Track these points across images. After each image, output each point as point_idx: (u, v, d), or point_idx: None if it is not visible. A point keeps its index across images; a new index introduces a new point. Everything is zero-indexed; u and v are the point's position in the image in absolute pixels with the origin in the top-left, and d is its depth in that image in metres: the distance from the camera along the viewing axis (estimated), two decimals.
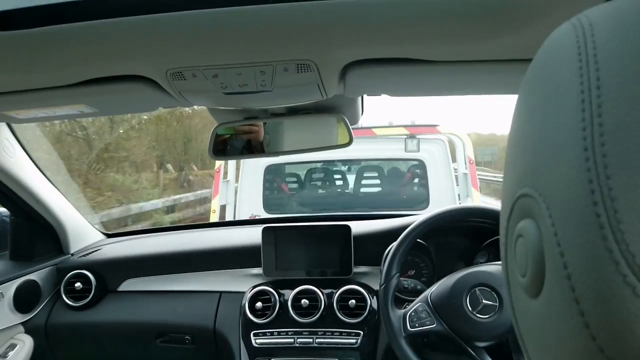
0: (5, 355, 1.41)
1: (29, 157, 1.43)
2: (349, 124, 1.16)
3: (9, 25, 0.64)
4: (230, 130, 1.20)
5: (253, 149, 1.22)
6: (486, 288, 1.14)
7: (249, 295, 1.47)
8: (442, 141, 4.01)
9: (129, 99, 0.96)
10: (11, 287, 1.45)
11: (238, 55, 0.75)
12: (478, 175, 4.08)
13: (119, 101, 0.98)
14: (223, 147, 1.21)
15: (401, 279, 1.29)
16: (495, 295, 1.13)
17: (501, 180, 0.36)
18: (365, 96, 1.16)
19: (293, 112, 1.15)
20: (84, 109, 1.01)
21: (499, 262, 1.20)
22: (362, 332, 1.40)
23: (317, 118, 1.17)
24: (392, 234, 1.44)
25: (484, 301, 1.13)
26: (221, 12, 0.62)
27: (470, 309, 1.13)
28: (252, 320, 1.43)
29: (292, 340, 1.40)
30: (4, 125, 1.31)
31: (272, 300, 1.44)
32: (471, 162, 4.02)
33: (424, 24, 0.66)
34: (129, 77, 0.84)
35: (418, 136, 3.89)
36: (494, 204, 1.54)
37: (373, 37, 0.70)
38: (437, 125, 4.03)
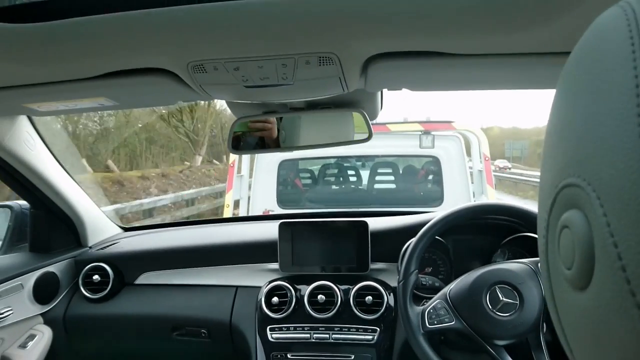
0: (24, 345, 1.43)
1: (49, 150, 1.44)
2: (368, 119, 1.15)
3: (32, 17, 0.64)
4: (244, 127, 1.19)
5: (268, 144, 1.22)
6: (506, 286, 1.12)
7: (265, 290, 1.47)
8: (457, 138, 3.97)
9: (149, 92, 0.96)
10: (31, 279, 1.47)
11: (260, 48, 0.74)
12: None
13: (139, 94, 0.99)
14: (241, 140, 1.21)
15: (419, 275, 1.28)
16: (516, 294, 1.11)
17: (535, 181, 0.35)
18: (384, 91, 1.15)
19: (312, 106, 1.15)
20: (104, 102, 1.01)
21: (519, 260, 1.18)
22: (378, 329, 1.39)
23: (335, 113, 1.17)
24: (410, 230, 1.43)
25: (504, 299, 1.11)
26: (244, 4, 0.62)
27: (490, 306, 1.12)
28: (268, 315, 1.43)
29: (308, 335, 1.40)
30: (24, 119, 1.32)
31: (289, 295, 1.44)
32: (486, 158, 3.98)
33: (449, 16, 0.65)
34: (150, 70, 0.84)
35: (433, 132, 3.85)
36: (510, 200, 1.52)
37: (397, 29, 0.69)
38: (452, 122, 3.99)
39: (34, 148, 1.36)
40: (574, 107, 0.28)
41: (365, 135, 1.18)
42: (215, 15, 0.64)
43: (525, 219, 1.25)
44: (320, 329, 1.41)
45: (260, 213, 3.84)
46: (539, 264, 0.35)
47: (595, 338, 0.26)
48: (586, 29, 0.31)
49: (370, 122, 1.16)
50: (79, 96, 0.97)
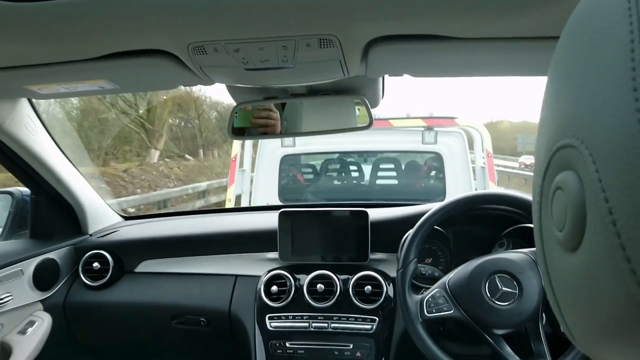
0: (24, 331, 1.43)
1: (49, 135, 1.44)
2: (369, 106, 1.14)
3: None
4: (246, 122, 1.19)
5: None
6: (506, 275, 1.12)
7: (264, 279, 1.47)
8: (460, 134, 3.96)
9: (149, 74, 0.96)
10: (31, 265, 1.47)
11: (260, 30, 0.74)
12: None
13: (139, 77, 0.98)
14: (242, 128, 1.21)
15: (419, 265, 1.28)
16: (515, 283, 1.11)
17: None
18: (386, 78, 1.14)
19: (313, 92, 1.14)
20: (104, 84, 1.01)
21: (519, 250, 1.18)
22: (377, 319, 1.39)
23: (336, 99, 1.16)
24: (410, 221, 1.42)
25: (503, 288, 1.11)
26: None
27: (489, 295, 1.11)
28: (267, 304, 1.43)
29: (307, 324, 1.40)
30: (25, 102, 1.32)
31: (288, 284, 1.44)
32: (489, 155, 3.97)
33: None
34: (151, 52, 0.84)
35: (436, 128, 3.84)
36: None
37: (398, 11, 0.69)
38: (455, 118, 3.98)
39: (35, 132, 1.36)
40: (571, 67, 0.28)
41: (366, 123, 1.18)
42: None
43: (525, 208, 1.24)
44: (319, 318, 1.41)
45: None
46: (534, 232, 0.35)
47: (586, 297, 0.26)
48: None
49: (371, 109, 1.16)
50: (79, 78, 0.97)
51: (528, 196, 1.26)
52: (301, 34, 0.76)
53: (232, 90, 1.13)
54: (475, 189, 3.87)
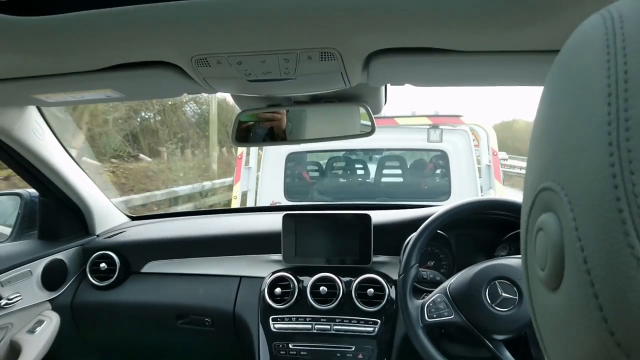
0: (33, 330, 1.46)
1: (57, 140, 1.46)
2: (371, 114, 1.16)
3: (40, 10, 0.66)
4: (253, 117, 1.20)
5: (275, 136, 1.23)
6: (506, 281, 1.13)
7: (268, 280, 1.49)
8: (466, 132, 3.95)
9: (154, 84, 0.98)
10: (39, 266, 1.50)
11: (262, 43, 0.75)
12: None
13: (144, 86, 1.00)
14: (246, 134, 1.22)
15: (420, 269, 1.29)
16: (515, 289, 1.12)
17: None
18: (388, 85, 1.15)
19: (316, 100, 1.15)
20: (110, 93, 1.03)
21: (519, 256, 1.18)
22: (379, 321, 1.40)
23: (339, 107, 1.17)
24: (413, 224, 1.43)
25: (503, 294, 1.12)
26: None
27: (489, 301, 1.12)
28: (271, 306, 1.45)
29: (310, 326, 1.42)
30: (34, 109, 1.34)
31: (291, 286, 1.46)
32: (495, 153, 3.95)
33: (451, 13, 0.65)
34: (155, 63, 0.86)
35: (441, 126, 3.84)
36: (516, 196, 1.52)
37: (398, 25, 0.70)
38: (460, 116, 3.97)
39: (43, 138, 1.38)
40: (555, 111, 0.29)
41: (369, 129, 1.19)
42: (219, 10, 0.65)
43: None
44: (322, 320, 1.42)
45: (267, 205, 3.86)
46: (522, 261, 0.36)
47: (564, 337, 0.27)
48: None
49: (373, 117, 1.17)
50: (85, 87, 0.98)
51: None
52: (302, 47, 0.77)
53: (236, 98, 1.15)
54: (481, 187, 3.87)
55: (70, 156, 1.53)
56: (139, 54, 0.82)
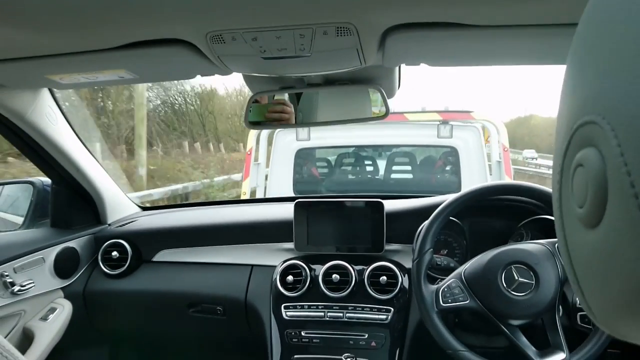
0: (45, 317, 1.47)
1: (70, 126, 1.47)
2: (385, 96, 1.15)
3: None
4: (261, 116, 1.20)
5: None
6: (522, 266, 1.11)
7: (280, 269, 1.48)
8: (476, 128, 3.93)
9: (168, 64, 0.98)
10: (52, 253, 1.50)
11: (278, 18, 0.75)
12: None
13: (158, 66, 1.00)
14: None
15: (434, 256, 1.28)
16: (532, 274, 1.10)
17: None
18: (402, 68, 1.14)
19: (329, 82, 1.15)
20: (124, 74, 1.03)
21: (536, 241, 1.17)
22: (392, 309, 1.39)
23: (352, 89, 1.16)
24: (425, 212, 1.42)
25: (519, 279, 1.10)
26: None
27: (505, 286, 1.11)
28: (283, 294, 1.44)
29: (322, 314, 1.41)
30: (47, 93, 1.35)
31: (303, 274, 1.45)
32: (505, 149, 3.92)
33: None
34: (169, 41, 0.86)
35: (451, 122, 3.82)
36: None
37: None
38: (471, 112, 3.95)
39: (56, 122, 1.39)
40: (593, 47, 0.28)
41: (383, 113, 1.18)
42: None
43: (542, 199, 1.23)
44: (334, 307, 1.41)
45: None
46: (553, 211, 0.34)
47: (606, 273, 0.26)
48: None
49: (387, 99, 1.16)
50: (99, 67, 0.98)
51: (545, 188, 1.25)
52: (318, 22, 0.76)
53: (248, 79, 1.14)
54: None
55: (83, 143, 1.54)
56: (154, 30, 0.82)
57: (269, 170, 4.07)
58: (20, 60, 0.95)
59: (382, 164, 4.17)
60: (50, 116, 1.36)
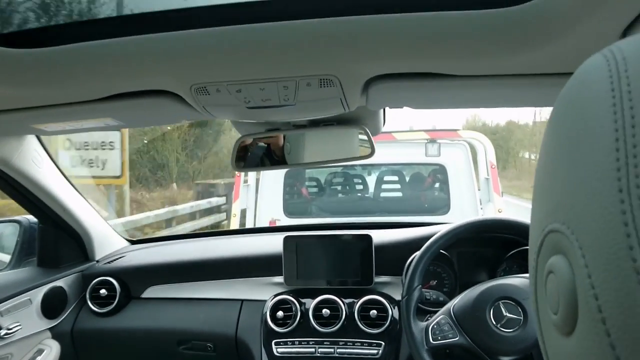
0: None
1: (56, 166, 1.46)
2: (371, 136, 1.16)
3: (39, 42, 0.66)
4: (249, 138, 1.21)
5: (274, 158, 1.23)
6: (510, 301, 1.12)
7: (270, 304, 1.48)
8: (464, 145, 3.97)
9: (154, 112, 0.98)
10: (39, 294, 1.48)
11: (261, 71, 0.76)
12: None
13: (144, 115, 1.00)
14: (245, 157, 1.22)
15: (423, 290, 1.28)
16: (520, 309, 1.11)
17: None
18: (387, 108, 1.16)
19: (315, 123, 1.16)
20: (110, 121, 1.03)
21: (523, 275, 1.18)
22: (383, 343, 1.39)
23: (338, 129, 1.17)
24: (414, 243, 1.43)
25: (508, 315, 1.11)
26: (244, 28, 0.63)
27: (494, 322, 1.11)
28: (273, 329, 1.43)
29: (313, 349, 1.40)
30: (33, 137, 1.34)
31: (294, 309, 1.44)
32: (493, 166, 3.96)
33: (448, 40, 0.66)
34: (155, 92, 0.86)
35: (439, 140, 3.85)
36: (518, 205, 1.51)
37: (396, 52, 0.70)
38: (458, 130, 3.99)
39: (42, 165, 1.38)
40: (560, 152, 0.29)
41: (368, 152, 1.19)
42: (216, 39, 0.66)
43: (526, 236, 1.24)
44: (325, 343, 1.41)
45: (266, 223, 3.84)
46: (532, 303, 0.35)
47: None
48: (580, 52, 0.31)
49: (372, 139, 1.17)
50: (85, 117, 0.99)
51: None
52: (301, 74, 0.77)
53: (236, 123, 1.15)
54: (480, 201, 3.87)
55: (70, 182, 1.53)
56: (138, 83, 0.82)
57: (258, 192, 4.06)
58: (5, 112, 0.95)
59: (371, 182, 4.19)
60: (37, 159, 1.35)
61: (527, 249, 1.34)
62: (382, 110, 1.15)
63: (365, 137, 1.17)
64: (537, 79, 0.80)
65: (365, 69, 0.77)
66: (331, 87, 0.81)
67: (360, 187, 4.26)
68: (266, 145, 1.22)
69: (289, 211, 3.93)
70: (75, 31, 0.66)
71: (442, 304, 1.26)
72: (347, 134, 1.19)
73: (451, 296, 1.27)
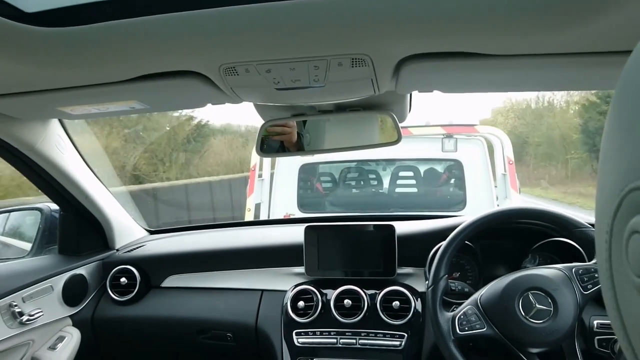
0: (54, 347, 1.45)
1: (78, 153, 1.46)
2: (397, 122, 1.14)
3: (66, 21, 0.65)
4: (263, 131, 1.19)
5: (288, 149, 1.22)
6: (540, 292, 1.09)
7: (291, 294, 1.46)
8: (480, 141, 3.93)
9: (179, 95, 0.97)
10: (60, 281, 1.49)
11: (292, 50, 0.74)
12: None
13: (169, 97, 0.99)
14: (267, 143, 1.21)
15: (448, 281, 1.26)
16: (550, 300, 1.08)
17: None
18: (414, 93, 1.14)
19: (340, 109, 1.14)
20: (135, 105, 1.02)
21: (553, 266, 1.15)
22: (406, 334, 1.37)
23: (363, 115, 1.16)
24: (437, 235, 1.41)
25: (537, 305, 1.08)
26: (276, 6, 0.61)
27: (522, 313, 1.09)
28: (294, 319, 1.42)
29: (334, 340, 1.39)
30: (56, 122, 1.34)
31: (315, 299, 1.43)
32: (510, 162, 3.91)
33: (484, 16, 0.64)
34: (182, 73, 0.85)
35: (455, 136, 3.82)
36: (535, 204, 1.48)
37: (431, 30, 0.68)
38: (475, 125, 3.95)
39: (65, 151, 1.38)
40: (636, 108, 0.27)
41: (394, 138, 1.17)
42: (248, 18, 0.64)
43: (558, 224, 1.22)
44: (346, 334, 1.39)
45: (280, 217, 3.84)
46: (599, 270, 0.33)
47: None
48: (618, 30, 0.29)
49: (399, 125, 1.15)
50: (111, 99, 0.98)
51: (561, 211, 1.24)
52: (334, 54, 0.76)
53: (259, 108, 1.14)
54: (497, 197, 3.82)
55: (91, 170, 1.53)
56: (167, 63, 0.81)
57: (273, 186, 4.06)
58: (32, 94, 0.94)
59: (386, 178, 4.16)
60: (60, 145, 1.35)
61: (555, 241, 1.32)
62: (408, 96, 1.13)
63: (391, 123, 1.15)
64: (572, 58, 0.78)
65: (399, 47, 0.76)
66: (363, 67, 0.80)
67: (375, 182, 4.24)
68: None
69: (303, 206, 3.92)
70: (104, 9, 0.65)
71: (467, 295, 1.23)
72: (368, 121, 1.17)
73: (475, 288, 1.25)
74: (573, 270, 1.10)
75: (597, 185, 0.33)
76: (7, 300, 1.30)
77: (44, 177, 1.40)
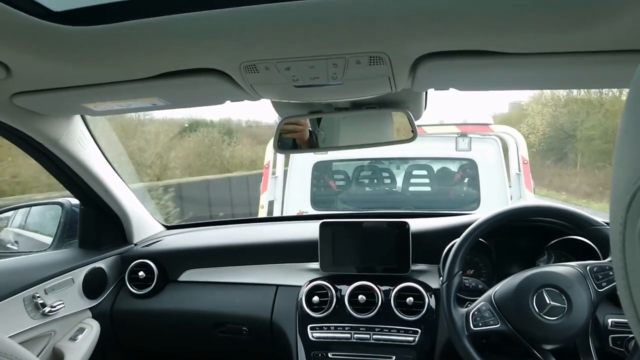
0: (74, 338, 1.48)
1: (99, 149, 1.49)
2: (413, 119, 1.15)
3: (91, 20, 0.67)
4: (280, 128, 1.21)
5: (299, 146, 1.24)
6: (554, 289, 1.10)
7: (305, 289, 1.48)
8: (495, 140, 3.90)
9: (200, 92, 0.99)
10: (81, 274, 1.52)
11: (312, 48, 0.76)
12: None
13: (190, 94, 1.02)
14: (284, 139, 1.23)
15: (462, 277, 1.27)
16: (564, 297, 1.09)
17: None
18: (430, 91, 1.15)
19: (357, 106, 1.15)
20: (156, 101, 1.05)
21: (567, 263, 1.15)
22: (419, 330, 1.38)
23: (379, 113, 1.17)
24: (451, 232, 1.41)
25: (551, 302, 1.09)
26: (297, 4, 0.63)
27: (537, 310, 1.09)
28: (308, 314, 1.44)
29: (349, 335, 1.40)
30: (79, 118, 1.38)
31: (329, 295, 1.45)
32: (525, 162, 3.88)
33: (503, 15, 0.65)
34: (203, 71, 0.87)
35: (469, 135, 3.80)
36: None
37: (449, 28, 0.69)
38: (489, 124, 3.93)
39: (87, 147, 1.41)
40: None
41: (410, 136, 1.18)
42: (269, 16, 0.66)
43: (573, 222, 1.22)
44: (361, 329, 1.41)
45: (294, 214, 3.86)
46: (613, 263, 0.34)
47: None
48: (634, 28, 0.30)
49: (415, 123, 1.16)
50: (133, 96, 1.00)
51: (576, 209, 1.24)
52: (352, 52, 0.77)
53: (277, 105, 1.15)
54: (511, 197, 3.80)
55: (111, 165, 1.56)
56: (189, 61, 0.83)
57: (286, 183, 4.08)
58: (58, 91, 0.97)
59: (400, 176, 4.16)
60: (82, 141, 1.38)
61: (570, 239, 1.31)
62: (424, 94, 1.14)
63: (406, 121, 1.16)
64: (590, 57, 0.78)
65: (416, 46, 0.77)
66: (381, 65, 0.81)
67: (388, 180, 4.23)
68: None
69: (316, 203, 3.93)
70: (129, 9, 0.67)
71: (481, 292, 1.24)
72: (383, 118, 1.18)
73: (490, 285, 1.25)
74: (587, 267, 1.11)
75: (612, 181, 0.34)
76: (30, 291, 1.33)
77: (66, 171, 1.43)
